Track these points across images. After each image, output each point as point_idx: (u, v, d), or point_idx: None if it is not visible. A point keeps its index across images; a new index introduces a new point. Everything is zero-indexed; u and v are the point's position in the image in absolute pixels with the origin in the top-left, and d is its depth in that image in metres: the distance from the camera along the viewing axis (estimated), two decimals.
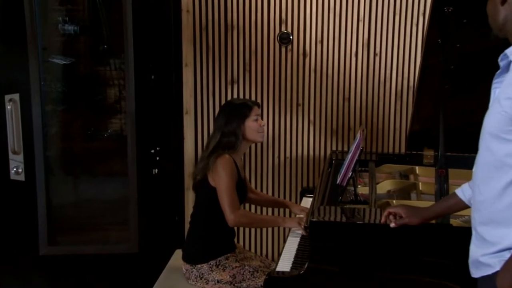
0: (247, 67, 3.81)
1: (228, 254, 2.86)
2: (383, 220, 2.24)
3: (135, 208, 3.81)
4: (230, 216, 2.76)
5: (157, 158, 3.76)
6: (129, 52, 3.67)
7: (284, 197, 3.94)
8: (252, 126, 2.87)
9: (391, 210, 2.24)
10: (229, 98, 3.82)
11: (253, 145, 3.90)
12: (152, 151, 3.75)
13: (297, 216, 3.04)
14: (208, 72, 3.81)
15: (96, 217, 4.28)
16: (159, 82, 3.70)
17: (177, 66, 3.74)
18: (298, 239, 2.77)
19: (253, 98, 3.84)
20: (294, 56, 3.80)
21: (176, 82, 3.76)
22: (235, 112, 2.87)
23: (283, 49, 3.80)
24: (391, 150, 3.88)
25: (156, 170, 3.77)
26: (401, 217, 2.20)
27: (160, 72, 3.70)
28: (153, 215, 3.83)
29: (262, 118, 3.68)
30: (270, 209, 3.88)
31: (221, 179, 2.75)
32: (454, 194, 2.11)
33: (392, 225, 2.19)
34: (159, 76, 3.70)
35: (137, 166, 3.75)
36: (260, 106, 3.57)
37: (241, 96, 3.84)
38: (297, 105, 3.86)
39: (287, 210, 3.75)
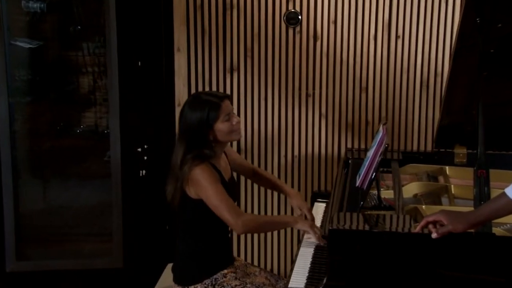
0: (249, 53, 3.84)
1: (226, 271, 2.84)
2: (418, 229, 2.26)
3: (119, 216, 3.83)
4: (236, 224, 2.72)
5: (145, 157, 3.79)
6: (111, 35, 3.68)
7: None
8: (224, 129, 2.74)
9: (430, 218, 2.24)
10: (228, 88, 3.86)
11: (255, 143, 3.94)
12: (139, 149, 3.77)
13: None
14: (204, 58, 3.82)
15: (72, 226, 4.29)
16: (147, 69, 3.72)
17: (168, 51, 3.76)
18: (312, 250, 2.78)
19: (255, 88, 3.88)
20: (303, 39, 3.83)
21: (167, 70, 3.78)
22: (198, 116, 2.71)
23: (291, 31, 3.83)
24: (416, 148, 3.92)
25: (144, 172, 3.80)
26: (442, 225, 2.21)
27: (148, 58, 3.72)
28: (140, 224, 3.86)
29: (247, 110, 3.61)
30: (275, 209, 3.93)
31: (206, 191, 2.71)
32: (503, 195, 2.12)
33: (434, 235, 2.18)
34: (147, 63, 3.72)
35: (122, 167, 3.77)
36: (231, 98, 3.47)
37: (242, 86, 3.87)
38: (307, 96, 3.90)
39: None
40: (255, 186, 3.95)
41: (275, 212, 3.99)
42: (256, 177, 3.18)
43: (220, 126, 2.74)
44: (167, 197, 2.84)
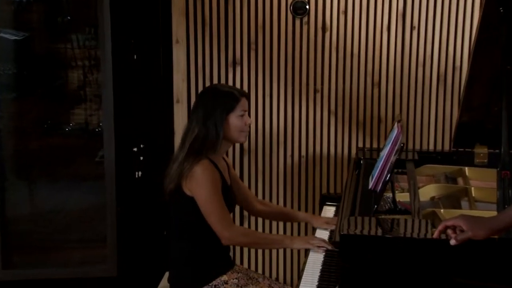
0: (253, 45, 3.83)
1: (226, 277, 2.86)
2: (436, 235, 2.26)
3: (113, 220, 3.83)
4: (223, 234, 2.77)
5: (141, 158, 3.78)
6: (105, 26, 3.68)
7: (299, 207, 3.97)
8: (236, 124, 2.83)
9: (448, 223, 2.22)
10: (230, 83, 3.84)
11: (259, 142, 3.93)
12: (135, 149, 3.77)
13: (315, 234, 3.05)
14: (205, 51, 3.82)
15: (61, 232, 4.30)
16: (143, 63, 3.72)
17: (166, 43, 3.76)
18: (322, 257, 2.79)
19: (260, 83, 3.87)
20: (311, 30, 3.82)
21: (165, 64, 3.77)
22: (218, 102, 2.82)
23: (298, 22, 3.82)
24: (433, 147, 3.91)
25: (140, 173, 3.79)
26: (462, 231, 2.18)
27: (145, 51, 3.71)
28: (136, 229, 3.85)
29: (251, 106, 3.65)
30: (283, 225, 3.92)
31: (202, 189, 2.75)
32: None
33: (453, 242, 2.15)
34: (143, 56, 3.71)
35: (116, 168, 3.77)
36: (249, 97, 3.59)
37: (246, 81, 3.86)
38: (315, 91, 3.89)
39: (303, 225, 3.79)
40: (266, 191, 3.95)
41: (281, 226, 3.98)
42: (262, 205, 3.20)
43: (234, 120, 2.82)
44: (164, 187, 2.89)
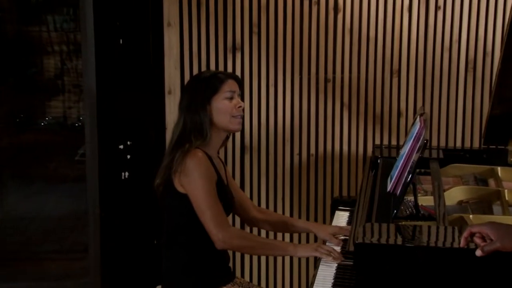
0: (255, 28, 3.85)
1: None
2: (462, 243, 2.27)
3: (96, 228, 3.83)
4: (217, 236, 2.77)
5: (128, 156, 3.80)
6: (86, 6, 3.67)
7: (307, 213, 3.99)
8: (222, 107, 2.84)
9: (474, 229, 2.21)
10: (229, 71, 3.83)
11: (263, 139, 3.95)
12: (121, 146, 3.78)
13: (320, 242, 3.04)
14: (200, 35, 3.83)
15: (36, 242, 4.31)
16: (131, 48, 3.73)
17: (156, 26, 3.77)
18: (333, 269, 2.79)
19: (263, 71, 3.90)
20: (322, 11, 3.84)
21: (155, 49, 3.79)
22: (200, 87, 2.87)
23: (306, 2, 3.83)
24: (460, 144, 3.93)
25: (127, 174, 3.81)
26: (490, 240, 2.16)
27: (132, 35, 3.73)
28: (123, 237, 3.86)
29: (253, 98, 3.65)
30: (286, 236, 3.93)
31: (196, 183, 2.76)
32: None
33: (479, 253, 2.15)
34: (131, 41, 3.73)
35: (100, 168, 3.77)
36: (242, 82, 3.59)
37: (247, 69, 3.88)
38: (326, 81, 3.91)
39: (311, 235, 3.81)
40: (270, 194, 3.97)
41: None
42: (261, 213, 3.18)
43: (219, 103, 2.84)
44: (155, 187, 2.90)
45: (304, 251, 2.86)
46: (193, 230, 2.85)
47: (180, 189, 2.80)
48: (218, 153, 2.98)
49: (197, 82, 2.90)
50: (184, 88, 3.00)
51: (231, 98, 2.85)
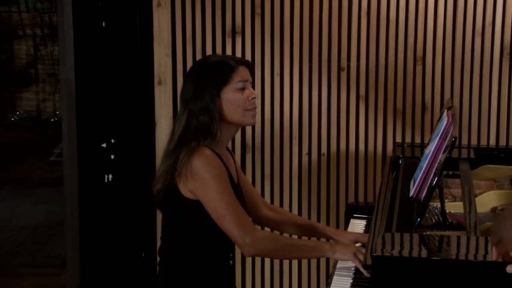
0: (257, 9, 3.87)
1: None
2: (494, 256, 2.29)
3: (75, 238, 3.85)
4: (243, 240, 2.74)
5: (112, 156, 3.82)
6: None
7: (318, 219, 4.01)
8: (234, 100, 2.82)
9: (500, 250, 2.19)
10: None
11: (267, 136, 3.98)
12: (104, 145, 3.80)
13: (354, 244, 3.04)
14: (195, 17, 3.86)
15: (7, 254, 4.32)
16: (115, 32, 3.75)
17: (144, 6, 3.79)
18: (350, 279, 2.82)
19: (267, 59, 3.91)
20: None
21: (143, 33, 3.81)
22: (208, 76, 2.83)
23: None
24: (494, 142, 3.95)
25: (111, 176, 3.83)
26: None
27: (116, 17, 3.75)
28: (105, 249, 3.88)
29: (255, 88, 3.63)
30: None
31: (207, 186, 2.75)
32: None
33: (509, 269, 2.12)
34: (115, 23, 3.75)
35: (79, 170, 3.79)
36: (252, 68, 3.50)
37: (248, 56, 3.89)
38: (339, 70, 3.93)
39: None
40: (275, 197, 3.98)
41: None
42: (272, 211, 3.19)
43: (231, 95, 2.82)
44: (155, 190, 2.87)
45: (343, 253, 2.83)
46: (198, 241, 2.86)
47: (187, 194, 2.79)
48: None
49: (203, 71, 2.85)
50: (187, 75, 2.93)
51: (243, 89, 2.83)
